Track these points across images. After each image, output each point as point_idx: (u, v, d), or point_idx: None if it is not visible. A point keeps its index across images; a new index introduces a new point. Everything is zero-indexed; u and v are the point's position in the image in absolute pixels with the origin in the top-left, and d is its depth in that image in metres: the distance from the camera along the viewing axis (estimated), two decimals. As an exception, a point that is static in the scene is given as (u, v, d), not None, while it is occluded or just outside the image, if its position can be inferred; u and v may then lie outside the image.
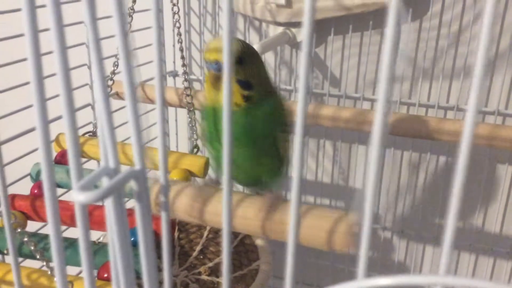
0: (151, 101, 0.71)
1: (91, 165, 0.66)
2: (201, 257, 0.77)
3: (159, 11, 0.22)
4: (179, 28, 0.61)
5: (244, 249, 0.75)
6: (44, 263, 0.39)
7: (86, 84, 0.65)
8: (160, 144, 0.20)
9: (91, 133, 0.62)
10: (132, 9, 0.58)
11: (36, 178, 0.56)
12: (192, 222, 0.78)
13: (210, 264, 0.76)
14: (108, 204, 0.20)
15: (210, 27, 0.79)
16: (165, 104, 0.72)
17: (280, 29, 0.73)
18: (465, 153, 0.17)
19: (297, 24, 0.72)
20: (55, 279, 0.40)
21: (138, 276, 0.46)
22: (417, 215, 0.78)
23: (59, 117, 0.61)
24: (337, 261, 0.84)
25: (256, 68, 0.44)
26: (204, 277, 0.74)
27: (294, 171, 0.20)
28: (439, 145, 0.72)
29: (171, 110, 0.83)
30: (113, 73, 0.59)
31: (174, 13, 0.60)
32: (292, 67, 0.77)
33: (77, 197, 0.18)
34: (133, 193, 0.20)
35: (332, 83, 0.76)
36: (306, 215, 0.42)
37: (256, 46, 0.64)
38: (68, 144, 0.21)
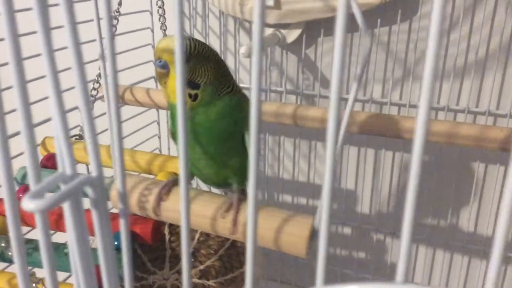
0: (140, 104, 0.70)
1: (81, 168, 0.66)
2: (192, 260, 0.76)
3: (113, 18, 0.22)
4: (165, 30, 0.60)
5: (235, 251, 0.75)
6: (30, 268, 0.39)
7: (74, 87, 0.64)
8: (116, 146, 0.20)
9: (77, 137, 0.62)
10: (118, 11, 0.58)
11: (21, 182, 0.56)
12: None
13: (201, 267, 0.75)
14: (66, 210, 0.20)
15: (200, 29, 0.79)
16: (155, 106, 0.72)
17: (270, 30, 0.73)
18: (418, 149, 0.17)
19: (287, 26, 0.72)
20: (33, 285, 0.40)
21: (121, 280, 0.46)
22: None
23: (46, 120, 0.60)
24: (329, 263, 0.84)
25: (206, 67, 0.44)
26: (195, 280, 0.73)
27: (250, 172, 0.20)
28: (430, 146, 0.71)
29: (162, 112, 0.83)
30: (99, 75, 0.59)
31: (160, 16, 0.60)
32: (282, 68, 0.77)
33: (26, 205, 0.18)
34: (90, 200, 0.20)
35: (322, 84, 0.76)
36: (267, 216, 0.42)
37: (246, 47, 0.64)
38: (25, 149, 0.20)
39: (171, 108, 0.46)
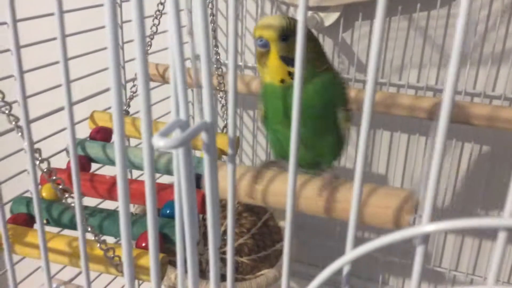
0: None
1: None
2: (225, 237, 0.78)
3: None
4: (212, 9, 0.62)
5: (267, 230, 0.76)
6: (89, 229, 0.40)
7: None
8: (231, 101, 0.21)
9: (124, 112, 0.63)
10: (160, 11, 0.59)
11: (72, 153, 0.58)
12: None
13: (234, 245, 0.77)
14: (179, 154, 0.21)
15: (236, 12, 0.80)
16: (194, 86, 0.73)
17: (308, 13, 0.74)
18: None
19: (325, 8, 0.73)
20: (97, 245, 0.41)
21: (171, 242, 0.47)
22: (457, 205, 0.78)
23: (95, 94, 0.61)
24: (358, 245, 0.85)
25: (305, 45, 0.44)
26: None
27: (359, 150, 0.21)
28: (482, 134, 0.71)
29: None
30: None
31: (208, -6, 0.61)
32: (318, 52, 0.78)
33: (157, 142, 0.19)
34: (202, 145, 0.22)
35: (358, 68, 0.77)
36: (370, 194, 0.43)
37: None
38: (141, 101, 0.22)
39: (266, 89, 0.45)
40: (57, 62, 0.56)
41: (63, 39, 0.29)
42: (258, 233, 0.77)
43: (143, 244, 0.46)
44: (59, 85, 0.58)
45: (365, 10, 0.72)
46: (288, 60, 0.43)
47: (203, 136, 0.21)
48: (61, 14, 0.25)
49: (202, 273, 0.71)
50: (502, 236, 0.17)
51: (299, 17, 0.21)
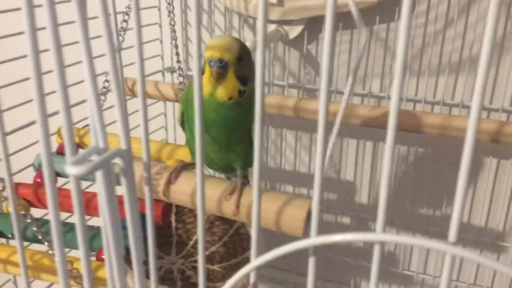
0: (149, 96, 0.74)
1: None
2: (197, 246, 0.80)
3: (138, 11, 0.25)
4: (173, 25, 0.64)
5: (238, 238, 0.78)
6: (46, 244, 0.42)
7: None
8: (142, 129, 0.23)
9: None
10: (129, 7, 0.61)
11: (38, 168, 0.60)
12: (189, 213, 0.82)
13: (206, 253, 0.79)
14: (98, 178, 0.23)
15: (206, 25, 0.82)
16: (163, 98, 0.75)
17: (273, 26, 0.76)
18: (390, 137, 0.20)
19: (289, 22, 0.75)
20: (56, 258, 0.43)
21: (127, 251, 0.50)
22: (406, 206, 0.81)
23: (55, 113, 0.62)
24: (329, 251, 0.87)
25: (250, 65, 0.48)
26: (199, 264, 0.77)
27: (254, 158, 0.23)
28: (425, 138, 0.74)
29: (168, 104, 0.86)
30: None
31: (169, 12, 0.63)
32: (285, 63, 0.80)
33: (71, 170, 0.21)
34: (119, 170, 0.23)
35: (323, 79, 0.79)
36: (264, 199, 0.46)
37: (250, 43, 0.67)
38: (63, 124, 0.24)
39: (204, 101, 0.48)
40: (27, 79, 0.58)
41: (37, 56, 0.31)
42: (230, 240, 0.79)
43: (103, 256, 0.48)
44: (30, 100, 0.60)
45: (328, 23, 0.74)
46: (242, 79, 0.46)
47: (119, 161, 0.23)
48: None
49: (173, 282, 0.73)
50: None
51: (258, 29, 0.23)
